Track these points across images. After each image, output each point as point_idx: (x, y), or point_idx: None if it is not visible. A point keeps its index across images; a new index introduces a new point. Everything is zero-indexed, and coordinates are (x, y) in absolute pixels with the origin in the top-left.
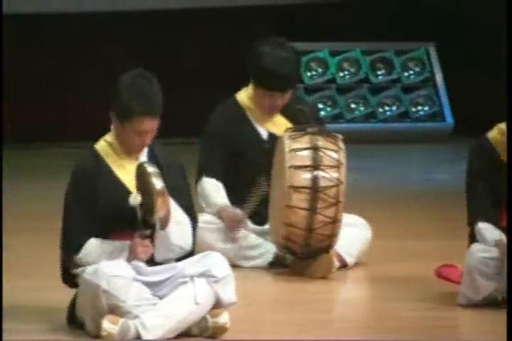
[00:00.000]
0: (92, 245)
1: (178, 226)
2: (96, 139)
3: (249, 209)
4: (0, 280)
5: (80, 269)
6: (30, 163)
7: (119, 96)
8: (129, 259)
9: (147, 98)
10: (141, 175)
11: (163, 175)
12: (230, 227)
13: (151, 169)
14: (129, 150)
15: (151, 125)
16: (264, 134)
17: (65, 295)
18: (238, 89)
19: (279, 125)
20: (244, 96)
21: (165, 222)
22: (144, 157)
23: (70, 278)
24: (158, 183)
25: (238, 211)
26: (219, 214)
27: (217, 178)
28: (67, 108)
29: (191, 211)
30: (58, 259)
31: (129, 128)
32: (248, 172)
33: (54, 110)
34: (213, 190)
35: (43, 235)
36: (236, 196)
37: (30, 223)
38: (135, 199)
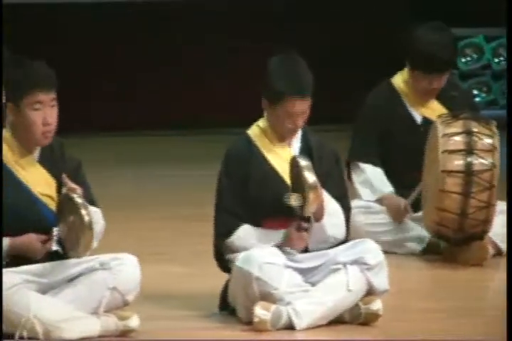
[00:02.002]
0: (245, 230)
1: (331, 217)
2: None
3: (413, 198)
4: (0, 279)
5: (232, 255)
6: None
7: (268, 79)
8: (281, 247)
9: (296, 78)
10: (295, 169)
11: (316, 162)
12: (394, 217)
13: (304, 163)
14: (281, 135)
15: (302, 106)
16: (419, 118)
17: (217, 281)
18: (391, 74)
19: (433, 109)
20: (399, 80)
21: (319, 215)
22: (297, 143)
23: (223, 262)
24: (310, 177)
25: (403, 200)
26: (382, 201)
27: (375, 164)
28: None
29: (344, 199)
30: (211, 246)
31: (280, 111)
32: (402, 156)
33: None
34: (374, 176)
35: (197, 222)
36: (391, 181)
37: (184, 210)
38: (293, 199)
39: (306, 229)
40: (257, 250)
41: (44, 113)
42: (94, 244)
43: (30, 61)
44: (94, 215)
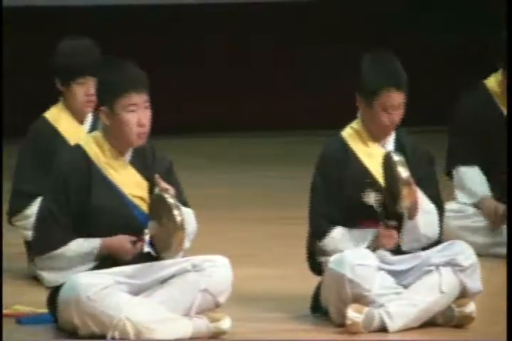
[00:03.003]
0: (338, 232)
1: (425, 216)
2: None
3: None
4: (0, 277)
5: (324, 258)
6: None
7: (363, 74)
8: (372, 247)
9: (392, 71)
10: (388, 164)
11: (410, 163)
12: (492, 223)
13: (397, 158)
14: (376, 134)
15: (399, 98)
16: None
17: (309, 283)
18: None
19: None
20: (492, 81)
21: (412, 212)
22: (390, 145)
23: (315, 264)
24: (404, 172)
25: (501, 206)
26: (480, 205)
27: (473, 166)
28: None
29: (438, 200)
30: (304, 248)
31: (377, 106)
32: (499, 158)
33: None
34: (472, 179)
35: (290, 224)
36: (489, 183)
37: (278, 212)
38: (371, 197)
39: (394, 227)
40: (350, 252)
41: (138, 114)
42: (187, 244)
43: (121, 62)
44: (186, 216)
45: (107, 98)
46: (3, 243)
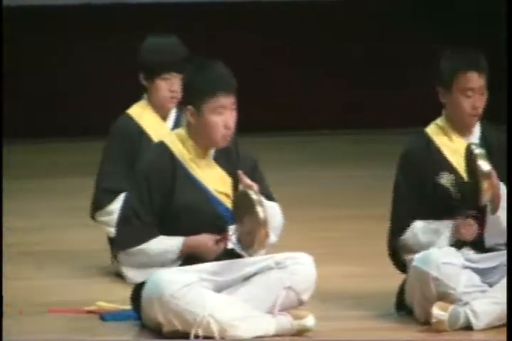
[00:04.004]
0: (417, 226)
1: (505, 212)
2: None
3: None
4: (0, 277)
5: (408, 257)
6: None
7: (440, 64)
8: (452, 239)
9: (469, 55)
10: (469, 157)
11: (496, 157)
12: None
13: (478, 150)
14: (461, 126)
15: (478, 81)
16: None
17: (393, 281)
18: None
19: None
20: None
21: (494, 206)
22: (475, 140)
23: (398, 261)
24: (485, 165)
25: None
26: None
27: None
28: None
29: None
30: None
31: (456, 90)
32: None
33: None
34: None
35: (374, 222)
36: None
37: (361, 210)
38: (447, 178)
39: (474, 217)
40: (435, 250)
41: (225, 117)
42: (273, 238)
43: (210, 61)
44: (271, 210)
45: (194, 98)
46: (3, 243)
